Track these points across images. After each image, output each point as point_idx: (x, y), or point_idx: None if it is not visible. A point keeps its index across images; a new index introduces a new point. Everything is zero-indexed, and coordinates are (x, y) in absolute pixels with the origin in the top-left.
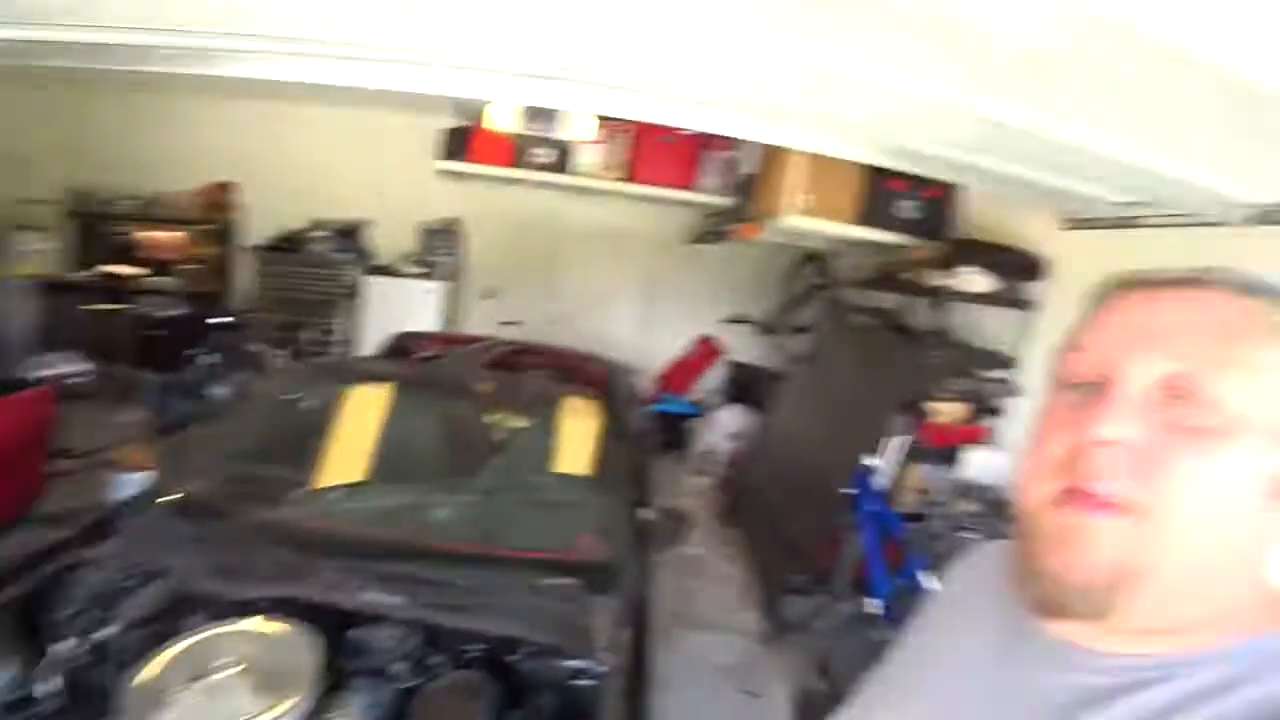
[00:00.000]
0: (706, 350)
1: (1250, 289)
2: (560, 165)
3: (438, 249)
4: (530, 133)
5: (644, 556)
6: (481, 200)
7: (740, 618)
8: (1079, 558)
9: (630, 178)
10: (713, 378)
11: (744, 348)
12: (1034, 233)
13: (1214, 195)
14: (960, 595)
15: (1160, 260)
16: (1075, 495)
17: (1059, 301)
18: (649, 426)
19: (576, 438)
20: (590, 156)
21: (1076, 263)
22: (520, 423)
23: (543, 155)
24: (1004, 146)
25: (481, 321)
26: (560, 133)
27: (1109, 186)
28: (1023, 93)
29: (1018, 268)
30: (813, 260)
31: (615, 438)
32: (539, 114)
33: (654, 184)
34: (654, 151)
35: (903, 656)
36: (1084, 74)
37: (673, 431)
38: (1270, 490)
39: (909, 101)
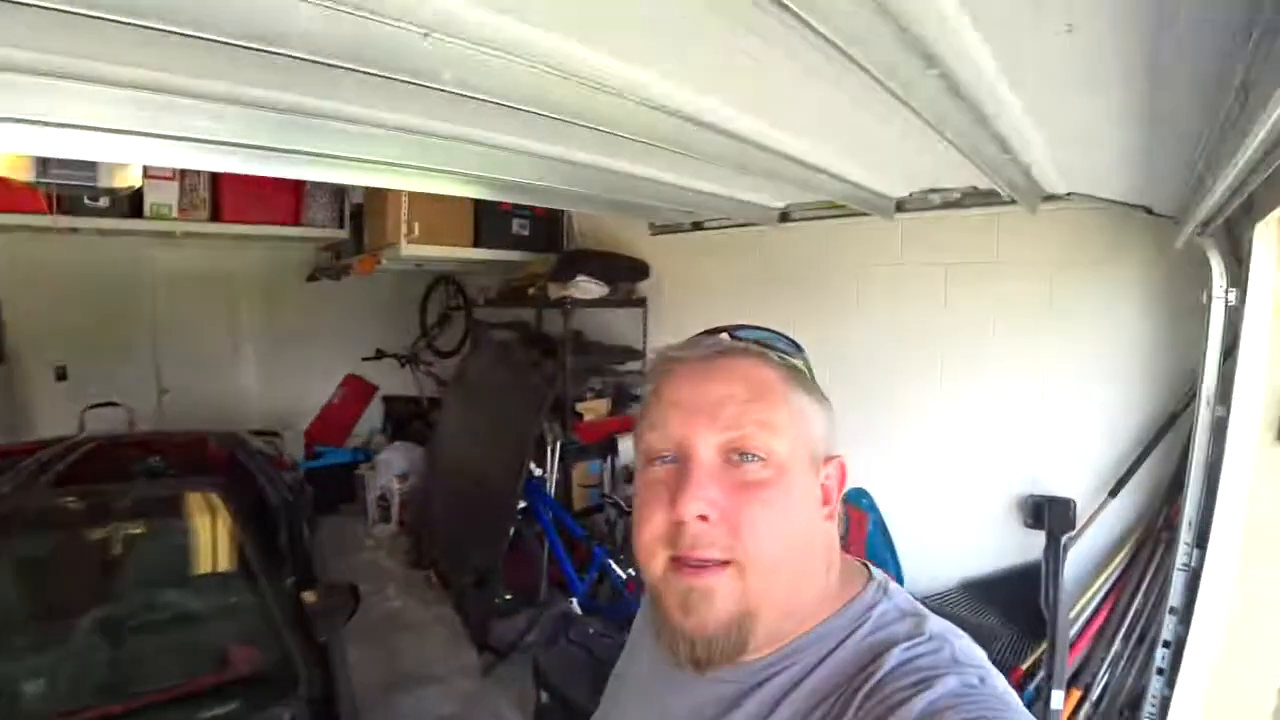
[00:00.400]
0: (356, 391)
1: (765, 350)
2: (131, 208)
3: None
4: (56, 180)
5: (314, 643)
6: (17, 258)
7: (456, 660)
8: (705, 615)
9: (218, 216)
10: (370, 418)
11: (396, 381)
12: (632, 239)
13: (754, 205)
14: (640, 625)
15: (721, 249)
16: (682, 564)
17: (658, 294)
18: (300, 490)
19: (208, 531)
20: (164, 195)
21: (665, 261)
22: (138, 529)
23: (101, 198)
24: (586, 180)
25: (58, 410)
26: (104, 177)
27: (678, 205)
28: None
29: (625, 271)
30: (445, 283)
31: (255, 519)
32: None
33: (250, 221)
34: (244, 186)
35: (616, 671)
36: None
37: (339, 485)
38: (819, 503)
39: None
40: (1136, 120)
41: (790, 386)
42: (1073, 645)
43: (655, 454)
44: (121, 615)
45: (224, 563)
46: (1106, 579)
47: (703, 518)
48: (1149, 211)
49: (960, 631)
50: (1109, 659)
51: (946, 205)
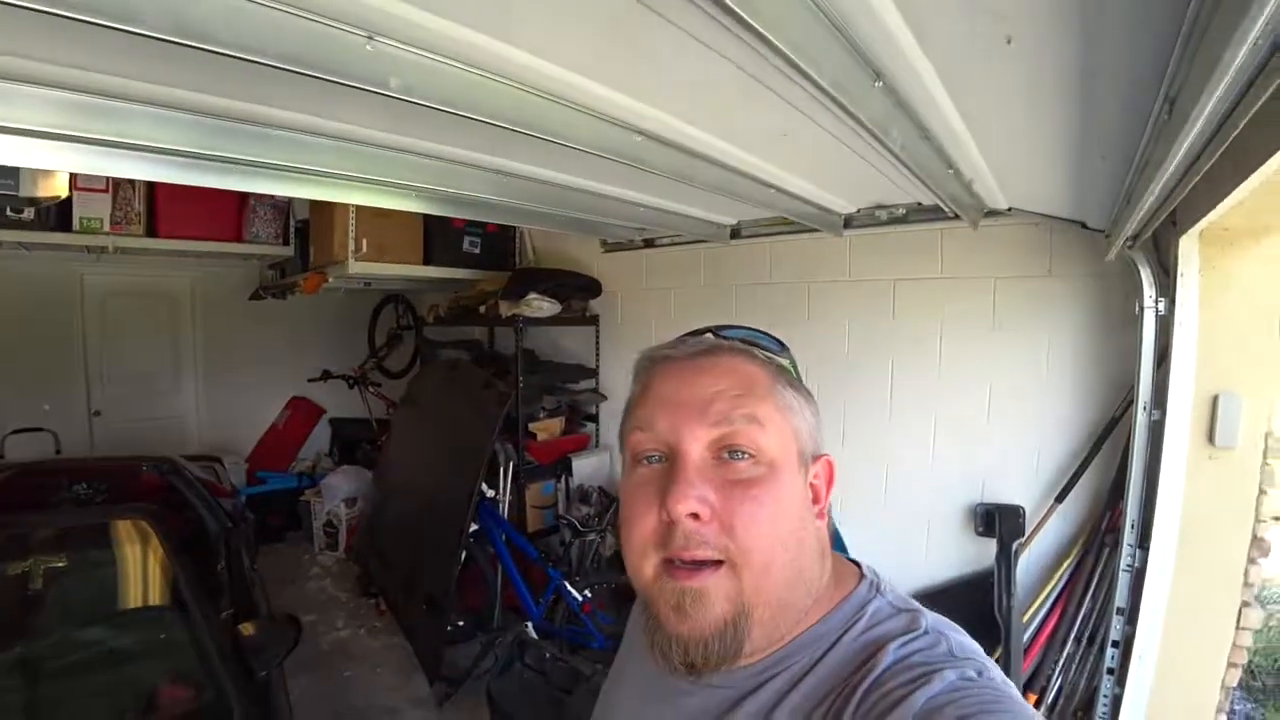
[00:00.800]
0: (301, 413)
1: (751, 348)
2: (58, 221)
3: None
4: None
5: (252, 679)
6: None
7: (408, 691)
8: (700, 618)
9: (154, 231)
10: (317, 441)
11: (344, 403)
12: (583, 257)
13: (705, 221)
14: (631, 634)
15: (673, 266)
16: (675, 566)
17: (610, 312)
18: (241, 518)
19: (138, 562)
20: (96, 208)
21: (617, 278)
22: (59, 562)
23: (24, 210)
24: (536, 194)
25: None
26: (26, 185)
27: (629, 221)
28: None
29: (577, 288)
30: (394, 302)
31: (191, 548)
32: None
33: (188, 237)
34: (182, 200)
35: (606, 686)
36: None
37: (284, 512)
38: (809, 501)
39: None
40: (1071, 134)
41: (777, 383)
42: (1027, 650)
43: (643, 453)
44: (40, 655)
45: (155, 595)
46: (1056, 583)
47: (695, 516)
48: (1084, 226)
49: (955, 625)
50: (1062, 661)
51: (893, 221)
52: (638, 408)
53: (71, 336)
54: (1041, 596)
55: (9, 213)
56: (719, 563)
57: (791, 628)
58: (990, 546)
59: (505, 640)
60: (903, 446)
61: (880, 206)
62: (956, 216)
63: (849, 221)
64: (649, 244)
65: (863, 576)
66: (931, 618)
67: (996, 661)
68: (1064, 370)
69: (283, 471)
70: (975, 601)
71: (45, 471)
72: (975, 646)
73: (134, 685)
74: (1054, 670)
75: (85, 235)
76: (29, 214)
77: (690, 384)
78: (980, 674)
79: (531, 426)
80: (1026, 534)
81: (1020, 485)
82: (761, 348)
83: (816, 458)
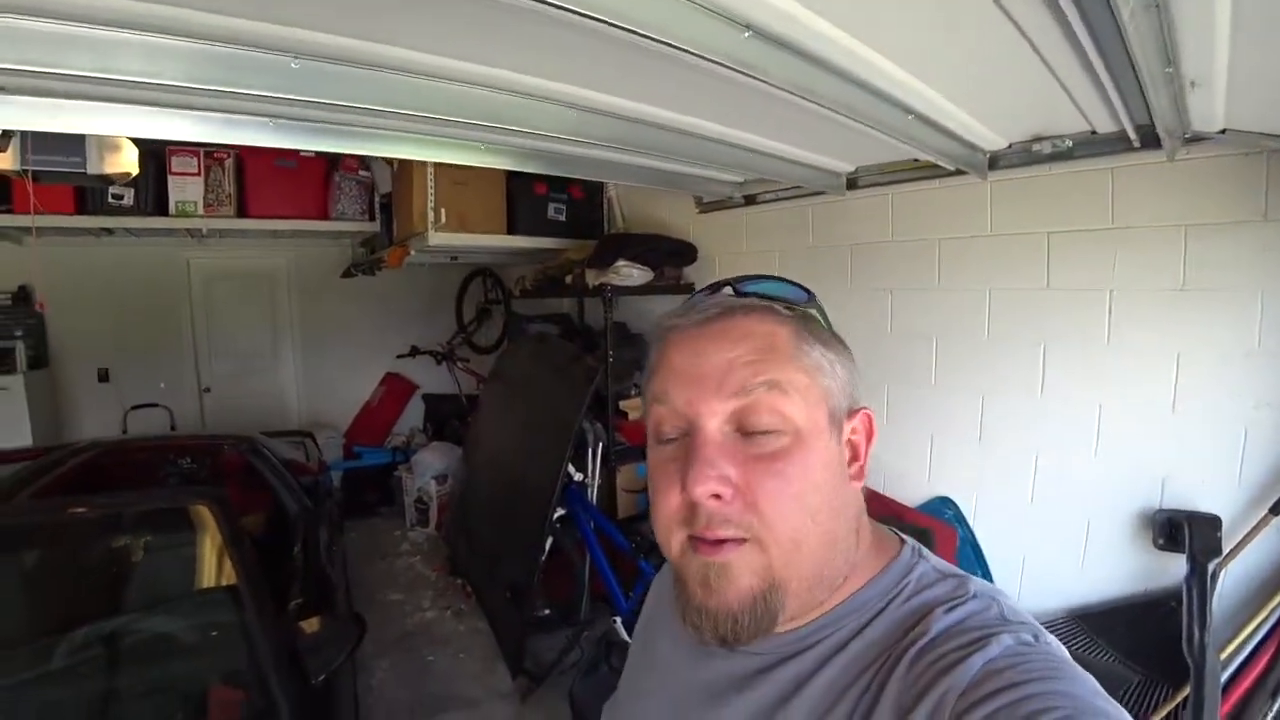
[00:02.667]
0: (395, 390)
1: (770, 302)
2: (157, 207)
3: (8, 332)
4: (40, 166)
5: (307, 685)
6: (55, 261)
7: (490, 680)
8: (726, 593)
9: (245, 211)
10: (411, 417)
11: (435, 379)
12: (676, 220)
13: (818, 169)
14: (656, 601)
15: (777, 226)
16: (700, 543)
17: (707, 279)
18: (326, 496)
19: (193, 550)
20: (189, 192)
21: (714, 241)
22: (115, 548)
23: (124, 196)
24: (628, 138)
25: (101, 412)
26: (93, 162)
27: (729, 169)
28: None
29: (670, 254)
30: (482, 276)
31: (266, 531)
32: (43, 142)
33: (277, 216)
34: (270, 179)
35: (629, 678)
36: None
37: (377, 487)
38: (844, 464)
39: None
40: None
41: (802, 339)
42: (1223, 696)
43: (663, 430)
44: (85, 648)
45: (210, 584)
46: (1268, 617)
47: (716, 496)
48: None
49: (1002, 590)
50: (1271, 715)
51: (1054, 157)
52: (654, 381)
53: (180, 317)
54: (1246, 632)
55: (110, 199)
56: (744, 539)
57: (831, 595)
58: (1170, 563)
59: (592, 637)
60: (1056, 439)
61: (1040, 138)
62: (1141, 146)
63: (995, 161)
64: (750, 201)
65: (903, 542)
66: (979, 583)
67: (1183, 705)
68: None
69: (378, 446)
70: (1153, 629)
71: (132, 449)
72: (1026, 613)
73: (184, 684)
74: None
75: (181, 219)
76: (129, 200)
77: (704, 353)
78: (1037, 639)
79: (622, 404)
80: (1225, 552)
81: (1216, 489)
82: (784, 301)
83: (853, 412)
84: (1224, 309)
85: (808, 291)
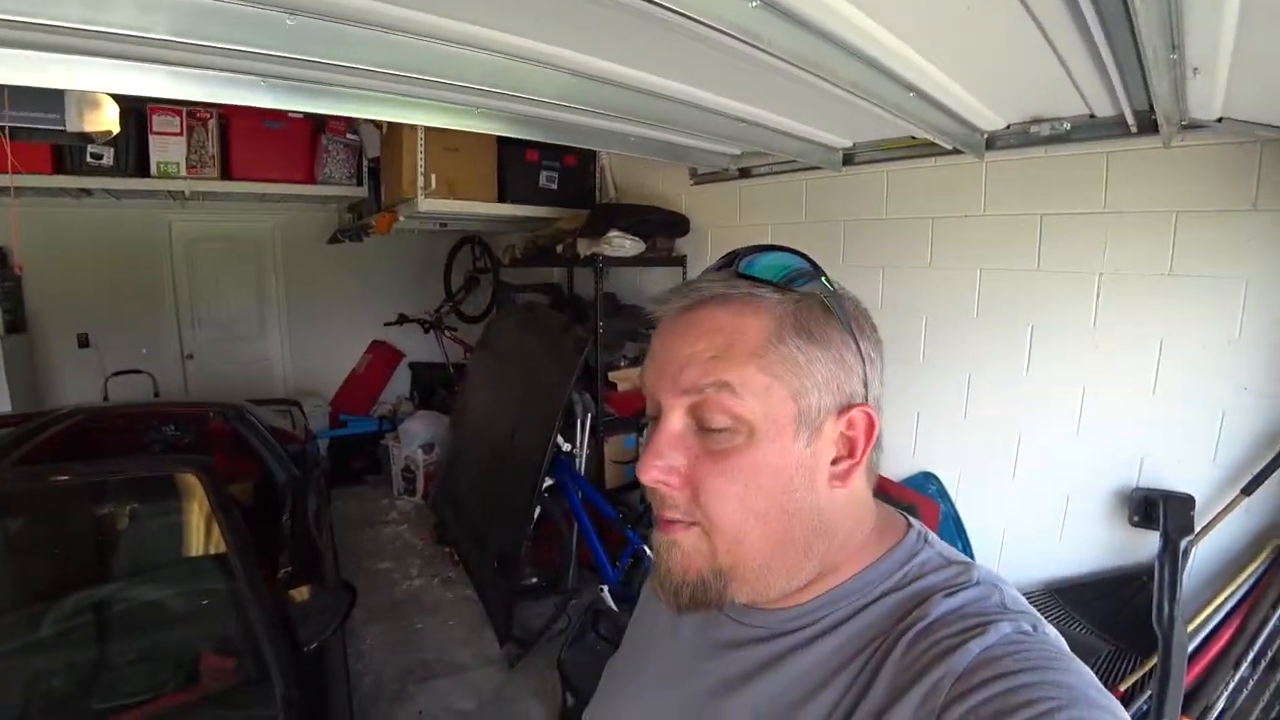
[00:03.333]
0: (382, 358)
1: (759, 288)
2: (138, 168)
3: None
4: (17, 122)
5: (298, 651)
6: (33, 223)
7: (478, 646)
8: (671, 567)
9: (229, 173)
10: (398, 386)
11: (422, 347)
12: (670, 191)
13: (815, 144)
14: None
15: (771, 200)
16: (659, 521)
17: (699, 252)
18: (314, 465)
19: (180, 519)
20: (171, 153)
21: (707, 214)
22: (101, 516)
23: (103, 156)
24: (624, 105)
25: (81, 378)
26: (72, 118)
27: (725, 141)
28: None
29: (662, 225)
30: (471, 244)
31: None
32: (21, 99)
33: (263, 179)
34: (255, 140)
35: (630, 636)
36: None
37: (365, 455)
38: (813, 466)
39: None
40: None
41: (783, 332)
42: (1188, 666)
43: (648, 410)
44: (75, 615)
45: (199, 553)
46: (1234, 592)
47: (664, 483)
48: None
49: (1005, 579)
50: (1233, 685)
51: (1051, 139)
52: (645, 362)
53: (163, 282)
54: (1212, 606)
55: (89, 159)
56: (689, 525)
57: (831, 575)
58: (1145, 539)
59: (579, 605)
60: (1040, 416)
61: (1038, 120)
62: (1139, 132)
63: (992, 142)
64: (745, 174)
65: (910, 526)
66: (982, 570)
67: (1151, 675)
68: (1266, 328)
69: (365, 415)
70: (1124, 602)
71: (114, 415)
72: (1026, 602)
73: (175, 651)
74: (1219, 695)
75: (163, 180)
76: (109, 160)
77: (671, 345)
78: (1035, 628)
79: (611, 375)
80: (1197, 530)
81: (1192, 470)
82: (777, 285)
83: (847, 409)
84: (1209, 296)
85: (815, 268)
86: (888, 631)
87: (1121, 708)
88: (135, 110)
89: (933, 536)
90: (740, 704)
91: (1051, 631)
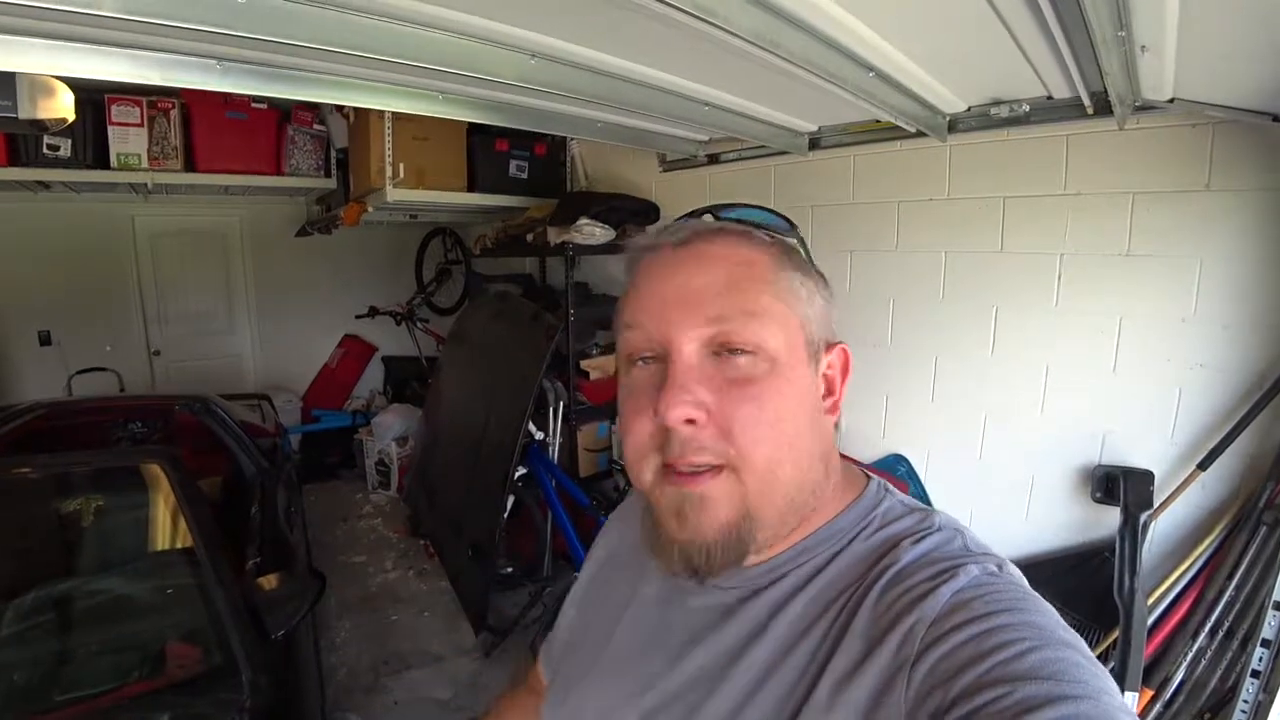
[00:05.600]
0: (354, 352)
1: (750, 229)
2: (97, 159)
3: None
4: None
5: (266, 639)
6: None
7: (454, 637)
8: (701, 523)
9: (193, 165)
10: (371, 380)
11: (395, 341)
12: (640, 179)
13: (779, 127)
14: (617, 544)
15: (740, 185)
16: (674, 473)
17: None
18: (284, 459)
19: (148, 509)
20: (132, 144)
21: (677, 201)
22: (63, 508)
23: (60, 148)
24: (589, 89)
25: (43, 377)
26: (25, 105)
27: (692, 126)
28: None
29: (632, 213)
30: (442, 235)
31: (226, 492)
32: None
33: (229, 170)
34: (219, 131)
35: (586, 617)
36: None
37: (338, 450)
38: (819, 396)
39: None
40: None
41: (781, 267)
42: (1149, 637)
43: (636, 354)
44: (41, 607)
45: (165, 545)
46: (1191, 565)
47: (691, 421)
48: (1276, 119)
49: (963, 523)
50: (1191, 655)
51: (1011, 121)
52: (628, 304)
53: (127, 278)
54: (1171, 579)
55: (45, 150)
56: (720, 467)
57: (799, 528)
58: (1107, 515)
59: (554, 593)
60: (1005, 397)
61: (998, 102)
62: (1095, 114)
63: (954, 125)
64: (713, 160)
65: (869, 478)
66: (943, 516)
67: (1112, 647)
68: (1219, 306)
69: (338, 409)
70: (1088, 577)
71: (80, 411)
72: (986, 544)
73: (140, 641)
74: (1179, 664)
75: (124, 172)
76: (66, 151)
77: (681, 276)
78: (1000, 568)
79: (583, 364)
80: (1156, 505)
81: (1151, 447)
82: (764, 228)
83: (830, 346)
84: (1165, 275)
85: (789, 221)
86: (858, 580)
87: (1084, 642)
88: (92, 100)
89: (891, 486)
90: (710, 658)
91: (1015, 571)
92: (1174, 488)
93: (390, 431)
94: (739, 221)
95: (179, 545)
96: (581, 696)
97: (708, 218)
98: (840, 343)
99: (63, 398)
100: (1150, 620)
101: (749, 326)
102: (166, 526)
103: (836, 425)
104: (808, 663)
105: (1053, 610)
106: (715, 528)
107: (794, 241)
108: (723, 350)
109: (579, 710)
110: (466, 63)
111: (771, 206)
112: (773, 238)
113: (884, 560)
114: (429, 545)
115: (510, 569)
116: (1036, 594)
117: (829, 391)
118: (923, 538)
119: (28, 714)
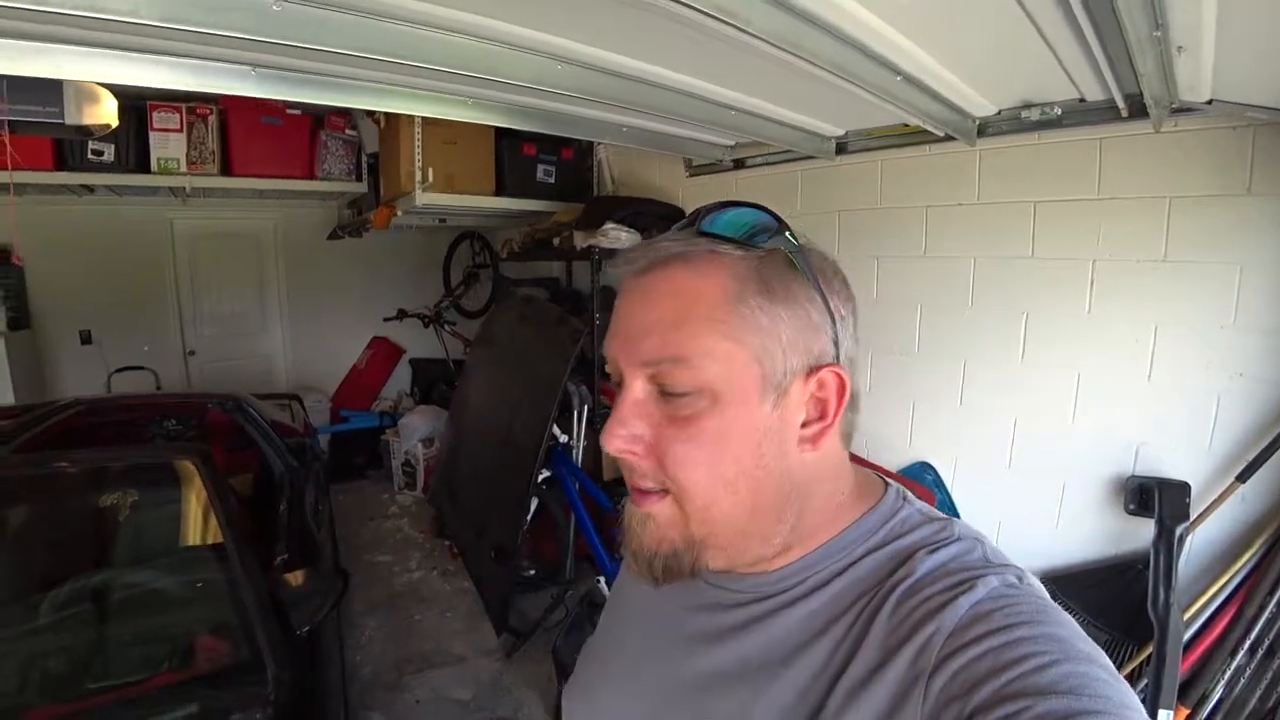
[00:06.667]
0: (382, 353)
1: (721, 245)
2: (138, 164)
3: None
4: (14, 116)
5: (291, 635)
6: (37, 220)
7: (475, 638)
8: (644, 540)
9: (229, 170)
10: (399, 381)
11: (423, 343)
12: (666, 184)
13: (805, 132)
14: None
15: (765, 190)
16: (634, 493)
17: None
18: (313, 458)
19: (179, 505)
20: (171, 149)
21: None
22: (100, 503)
23: (104, 153)
24: (616, 94)
25: (84, 374)
26: (71, 111)
27: (718, 130)
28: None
29: (658, 217)
30: (470, 239)
31: (256, 489)
32: (19, 91)
33: (264, 175)
34: (255, 136)
35: (607, 618)
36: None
37: (366, 450)
38: (779, 430)
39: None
40: None
41: (744, 291)
42: (1185, 654)
43: (612, 378)
44: (74, 599)
45: (196, 540)
46: (1230, 579)
47: (629, 451)
48: None
49: (984, 534)
50: (1230, 673)
51: (1042, 124)
52: (609, 327)
53: (165, 279)
54: (1209, 594)
55: (90, 155)
56: (661, 494)
57: (812, 536)
58: (1141, 527)
59: (576, 595)
60: (1035, 405)
61: (1029, 105)
62: (1130, 116)
63: (984, 128)
64: (739, 165)
65: (887, 487)
66: (962, 525)
67: (1146, 662)
68: (1260, 314)
69: (365, 410)
70: (1120, 591)
71: (114, 407)
72: (1007, 555)
73: (171, 633)
74: (1216, 683)
75: (163, 176)
76: (110, 156)
77: (632, 310)
78: (1021, 580)
79: (608, 368)
80: (1193, 517)
81: (1187, 458)
82: (738, 242)
83: (815, 370)
84: (1203, 281)
85: (780, 222)
86: (873, 590)
87: (1105, 656)
88: (134, 107)
89: (910, 495)
90: (718, 662)
91: (1036, 583)
92: (1211, 500)
93: (417, 433)
94: (715, 236)
95: (210, 541)
96: (596, 693)
97: (682, 234)
98: (830, 364)
99: (102, 395)
100: (1186, 636)
101: (681, 366)
102: (198, 522)
103: (848, 439)
104: (819, 671)
105: (1074, 623)
106: (657, 545)
107: (779, 247)
108: (663, 385)
109: (592, 706)
110: (491, 67)
111: (783, 209)
112: (748, 253)
113: (900, 570)
114: (453, 546)
115: (533, 571)
116: (1057, 606)
117: (821, 416)
118: (940, 548)
119: (61, 701)
